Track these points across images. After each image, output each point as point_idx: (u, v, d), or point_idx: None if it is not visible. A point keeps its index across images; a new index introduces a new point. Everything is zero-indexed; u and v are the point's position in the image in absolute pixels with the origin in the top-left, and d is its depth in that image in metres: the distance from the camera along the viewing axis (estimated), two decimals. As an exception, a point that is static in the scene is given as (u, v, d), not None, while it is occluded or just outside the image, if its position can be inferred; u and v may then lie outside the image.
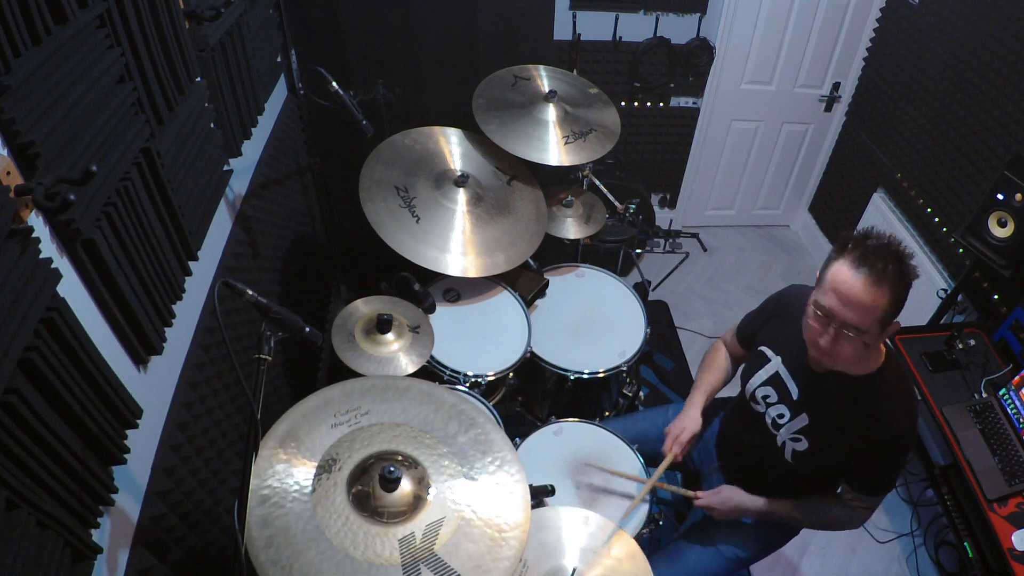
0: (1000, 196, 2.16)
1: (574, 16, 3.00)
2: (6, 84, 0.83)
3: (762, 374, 1.59)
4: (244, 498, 0.98)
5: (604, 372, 2.05)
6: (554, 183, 2.73)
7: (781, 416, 1.54)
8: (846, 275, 1.25)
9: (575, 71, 2.73)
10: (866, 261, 1.23)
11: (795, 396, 1.52)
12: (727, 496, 1.63)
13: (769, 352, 1.59)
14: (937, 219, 2.84)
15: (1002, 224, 2.18)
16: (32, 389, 0.87)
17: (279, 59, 2.30)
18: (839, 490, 1.57)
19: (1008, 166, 2.14)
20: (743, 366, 1.70)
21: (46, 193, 0.89)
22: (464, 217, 2.09)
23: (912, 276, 1.25)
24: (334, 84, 2.04)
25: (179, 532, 1.31)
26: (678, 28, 3.13)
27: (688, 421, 1.71)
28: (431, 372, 1.94)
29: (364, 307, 1.83)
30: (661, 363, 3.18)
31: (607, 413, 2.30)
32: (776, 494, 1.63)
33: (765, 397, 1.58)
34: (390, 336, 1.76)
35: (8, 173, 0.85)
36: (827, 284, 1.29)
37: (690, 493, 1.68)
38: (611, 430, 1.89)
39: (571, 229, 2.41)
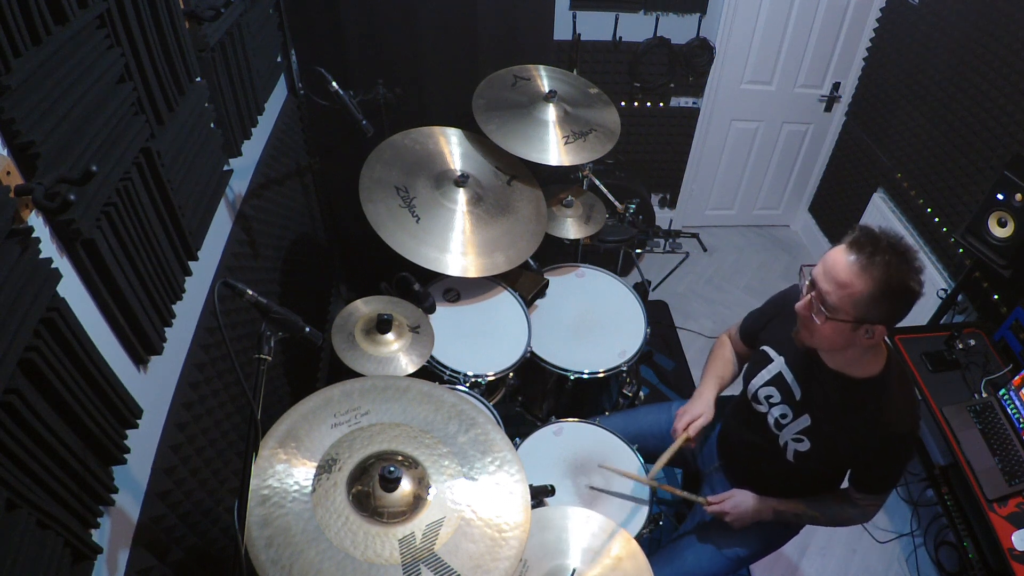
0: (1000, 196, 2.16)
1: (574, 16, 3.01)
2: (6, 84, 0.83)
3: (764, 374, 1.59)
4: (244, 498, 0.98)
5: (604, 372, 2.05)
6: (554, 183, 2.73)
7: (784, 416, 1.54)
8: (837, 251, 1.29)
9: (575, 71, 2.73)
10: (858, 245, 1.26)
11: (798, 397, 1.52)
12: (740, 500, 1.62)
13: (772, 352, 1.59)
14: (937, 219, 2.84)
15: (1002, 224, 2.18)
16: (32, 389, 0.87)
17: (279, 59, 2.30)
18: (846, 489, 1.58)
19: (1008, 166, 2.14)
20: (746, 366, 1.70)
21: (46, 193, 0.89)
22: (464, 217, 2.09)
23: (908, 281, 1.22)
24: (334, 84, 2.04)
25: (179, 532, 1.31)
26: (678, 28, 3.13)
27: (703, 408, 1.69)
28: (431, 372, 1.94)
29: (364, 307, 1.83)
30: (661, 363, 3.18)
31: (607, 413, 2.29)
32: (778, 494, 1.63)
33: (768, 397, 1.58)
34: (390, 336, 1.76)
35: (8, 173, 0.85)
36: (824, 255, 1.33)
37: (701, 500, 1.67)
38: (611, 430, 1.89)
39: (571, 229, 2.41)
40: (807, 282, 1.35)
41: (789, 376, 1.54)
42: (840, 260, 1.26)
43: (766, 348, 1.61)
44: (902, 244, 1.26)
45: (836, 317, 1.29)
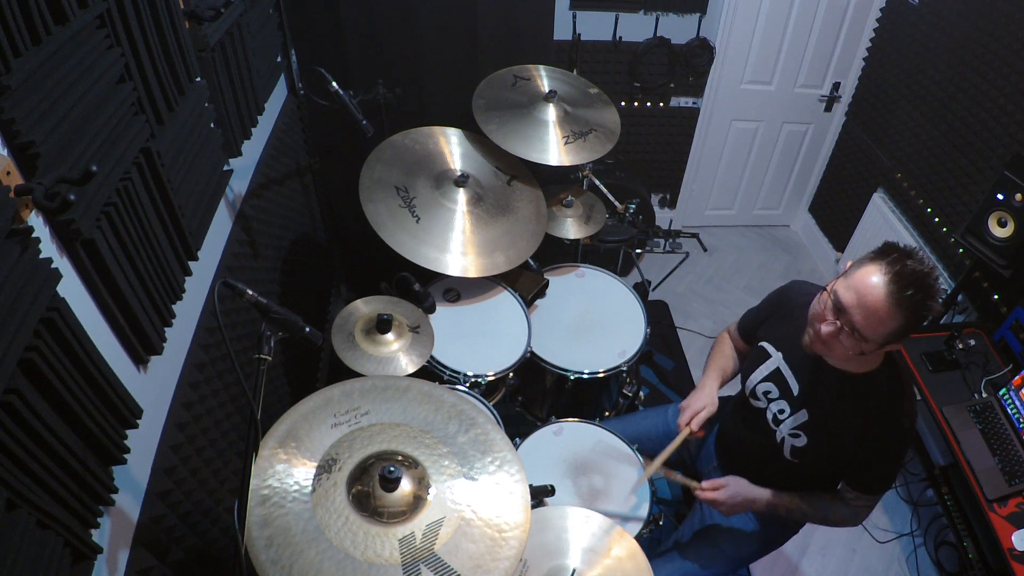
0: (1000, 196, 2.16)
1: (574, 16, 3.01)
2: (6, 84, 0.83)
3: (763, 370, 1.59)
4: (244, 498, 0.98)
5: (604, 372, 2.05)
6: (554, 183, 2.73)
7: (782, 412, 1.55)
8: (874, 282, 1.25)
9: (575, 71, 2.73)
10: (898, 280, 1.23)
11: (796, 392, 1.52)
12: (734, 490, 1.60)
13: (770, 348, 1.59)
14: (937, 219, 2.84)
15: (1002, 224, 2.18)
16: (32, 389, 0.87)
17: (279, 59, 2.30)
18: (839, 488, 1.58)
19: (1008, 166, 2.14)
20: (744, 363, 1.70)
21: (46, 193, 0.89)
22: (464, 217, 2.09)
23: (933, 311, 1.24)
24: (334, 84, 2.04)
25: (179, 532, 1.31)
26: (678, 28, 3.13)
27: (707, 399, 1.69)
28: (431, 372, 1.94)
29: (364, 307, 1.83)
30: (661, 363, 3.18)
31: (607, 413, 2.30)
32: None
33: (766, 393, 1.58)
34: (390, 336, 1.76)
35: (8, 173, 0.85)
36: (853, 280, 1.29)
37: (694, 484, 1.64)
38: (611, 430, 1.89)
39: (571, 229, 2.41)
40: (829, 301, 1.33)
41: (787, 371, 1.54)
42: (878, 297, 1.24)
43: (764, 344, 1.61)
44: (932, 275, 1.25)
45: (866, 348, 1.30)
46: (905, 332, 1.27)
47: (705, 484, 1.63)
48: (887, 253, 1.27)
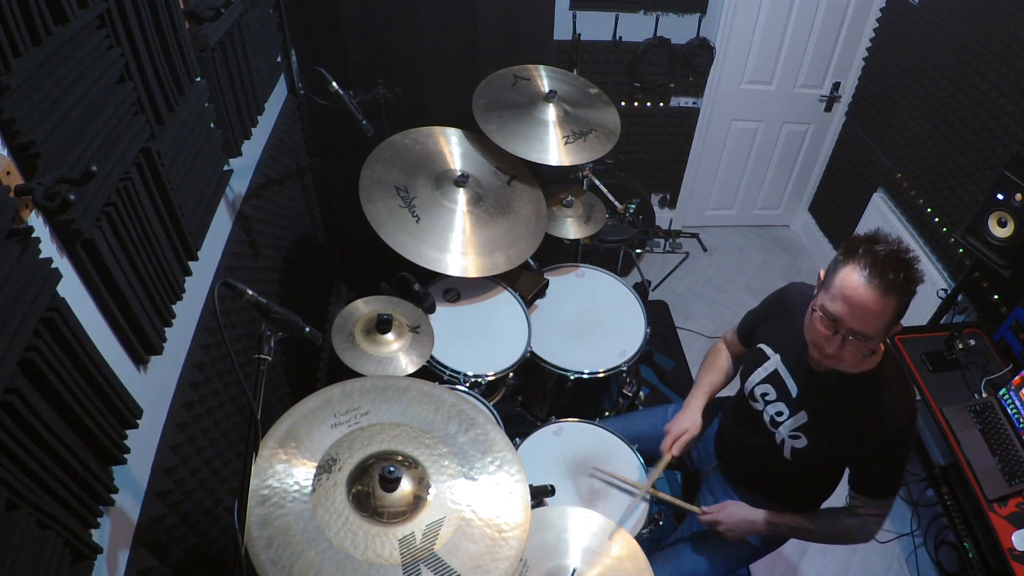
0: (1000, 196, 2.16)
1: (574, 16, 3.01)
2: (6, 84, 0.83)
3: (761, 372, 1.59)
4: (244, 498, 0.98)
5: (604, 372, 2.05)
6: (554, 183, 2.73)
7: (780, 414, 1.54)
8: (856, 283, 1.24)
9: (575, 71, 2.73)
10: (876, 270, 1.22)
11: (794, 394, 1.52)
12: (733, 511, 1.61)
13: (768, 350, 1.59)
14: (937, 219, 2.84)
15: (1002, 224, 2.18)
16: (32, 389, 0.87)
17: (279, 59, 2.30)
18: (847, 498, 1.56)
19: (1008, 166, 2.14)
20: (743, 364, 1.70)
21: (46, 193, 0.89)
22: (464, 217, 2.09)
23: (918, 282, 1.24)
24: (334, 84, 2.04)
25: (179, 532, 1.31)
26: (678, 28, 3.13)
27: (689, 422, 1.71)
28: (431, 372, 1.94)
29: (364, 307, 1.83)
30: (661, 363, 3.18)
31: (607, 413, 2.30)
32: (777, 493, 1.63)
33: (764, 395, 1.58)
34: (390, 336, 1.76)
35: (8, 173, 0.85)
36: (835, 290, 1.28)
37: (695, 508, 1.67)
38: (611, 430, 1.89)
39: (571, 229, 2.41)
40: (819, 316, 1.32)
41: (785, 373, 1.54)
42: (866, 295, 1.23)
43: (762, 346, 1.61)
44: (903, 249, 1.25)
45: (874, 345, 1.30)
46: (902, 312, 1.27)
47: (706, 508, 1.64)
48: (853, 249, 1.27)
